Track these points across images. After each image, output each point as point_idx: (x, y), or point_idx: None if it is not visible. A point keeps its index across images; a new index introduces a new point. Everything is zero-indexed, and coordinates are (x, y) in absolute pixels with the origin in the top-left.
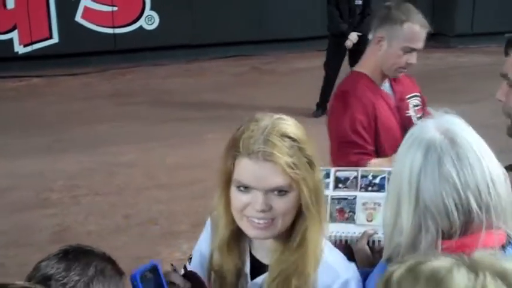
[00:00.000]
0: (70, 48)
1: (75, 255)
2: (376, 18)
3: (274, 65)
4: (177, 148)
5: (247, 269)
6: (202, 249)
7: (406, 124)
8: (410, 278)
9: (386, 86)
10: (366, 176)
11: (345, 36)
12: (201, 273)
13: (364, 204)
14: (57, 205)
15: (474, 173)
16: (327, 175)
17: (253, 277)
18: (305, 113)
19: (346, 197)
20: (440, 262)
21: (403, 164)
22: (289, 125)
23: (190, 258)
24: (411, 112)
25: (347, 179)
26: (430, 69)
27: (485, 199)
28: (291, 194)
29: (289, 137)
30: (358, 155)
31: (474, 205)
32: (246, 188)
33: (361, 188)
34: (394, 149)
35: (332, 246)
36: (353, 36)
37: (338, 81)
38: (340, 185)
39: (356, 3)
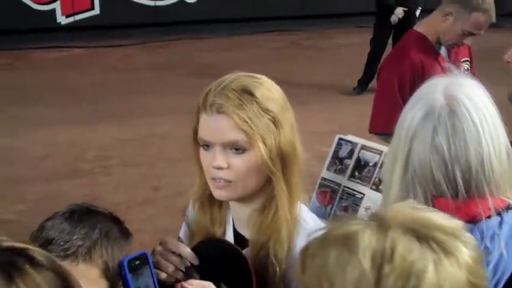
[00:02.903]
0: (111, 20)
1: (80, 215)
2: None
3: (314, 41)
4: None
5: (230, 239)
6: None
7: None
8: (321, 245)
9: (443, 48)
10: None
11: (392, 11)
12: None
13: (366, 209)
14: (88, 175)
15: (467, 147)
16: (351, 152)
17: None
18: (345, 90)
19: (354, 193)
20: (352, 225)
21: (404, 119)
22: (255, 82)
23: (179, 238)
24: None
25: (366, 164)
26: (476, 48)
27: (475, 175)
28: (249, 153)
29: (249, 92)
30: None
31: (460, 181)
32: (207, 147)
33: (373, 183)
34: None
35: (315, 216)
36: (399, 11)
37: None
38: (356, 173)
39: None
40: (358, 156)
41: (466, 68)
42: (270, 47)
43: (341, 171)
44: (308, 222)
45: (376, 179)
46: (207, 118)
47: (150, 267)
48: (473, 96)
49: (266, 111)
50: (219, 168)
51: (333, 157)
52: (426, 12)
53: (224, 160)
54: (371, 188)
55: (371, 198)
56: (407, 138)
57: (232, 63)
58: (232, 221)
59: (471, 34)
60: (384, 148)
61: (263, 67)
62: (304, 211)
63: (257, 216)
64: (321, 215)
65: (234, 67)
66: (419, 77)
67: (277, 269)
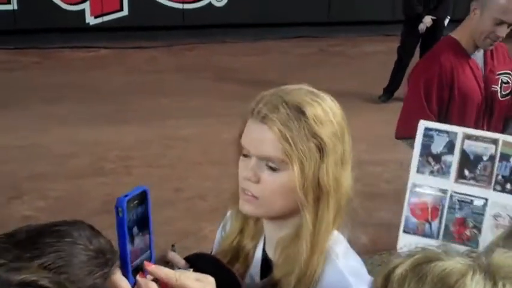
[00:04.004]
0: (139, 22)
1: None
2: None
3: (341, 48)
4: (233, 126)
5: (256, 265)
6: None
7: (489, 97)
8: (414, 277)
9: (479, 56)
10: (508, 158)
11: (420, 20)
12: None
13: (496, 217)
14: (110, 175)
15: None
16: (450, 145)
17: (262, 276)
18: (370, 98)
19: (472, 199)
20: (454, 263)
21: None
22: (313, 100)
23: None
24: (498, 87)
25: (479, 159)
26: None
27: None
28: (284, 174)
29: (300, 110)
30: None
31: None
32: (246, 156)
33: (496, 182)
34: (463, 118)
35: (349, 249)
36: (427, 20)
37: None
38: (466, 172)
39: None
40: (463, 150)
41: (505, 80)
42: (296, 53)
43: (442, 173)
44: (338, 258)
45: (499, 177)
46: (251, 124)
47: (147, 205)
48: None
49: (314, 135)
50: (249, 180)
51: (423, 154)
52: (455, 21)
53: (256, 173)
54: (494, 190)
55: (498, 203)
56: None
57: (257, 68)
58: (264, 239)
59: (502, 22)
60: (497, 135)
61: (289, 73)
62: (339, 244)
63: (289, 242)
64: (425, 234)
65: (259, 72)
66: (447, 82)
67: None
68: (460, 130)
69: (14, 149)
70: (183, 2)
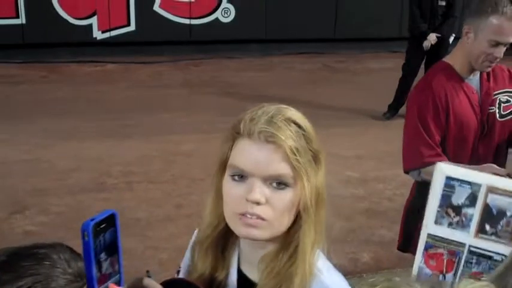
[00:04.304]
0: (146, 37)
1: None
2: (466, 10)
3: (346, 64)
4: None
5: (233, 281)
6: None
7: (486, 120)
8: None
9: (474, 80)
10: None
11: (424, 37)
12: None
13: None
14: (112, 190)
15: None
16: (472, 198)
17: None
18: (374, 114)
19: (490, 254)
20: None
21: None
22: (296, 113)
23: (179, 271)
24: (495, 108)
25: (502, 214)
26: None
27: None
28: (290, 190)
29: (295, 123)
30: (427, 149)
31: None
32: (241, 178)
33: None
34: (459, 146)
35: (331, 266)
36: (432, 37)
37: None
38: (487, 227)
39: (439, 4)
40: (487, 203)
41: (504, 100)
42: (301, 68)
43: (461, 226)
44: (323, 273)
45: None
46: (251, 146)
47: (116, 229)
48: None
49: (310, 146)
50: (257, 203)
51: (442, 205)
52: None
53: (263, 194)
54: None
55: None
56: None
57: (262, 84)
58: (238, 260)
59: (498, 43)
60: None
61: (293, 88)
62: (321, 260)
63: (270, 260)
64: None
65: (264, 88)
66: (442, 107)
67: None
68: (484, 182)
69: (18, 163)
70: (190, 18)
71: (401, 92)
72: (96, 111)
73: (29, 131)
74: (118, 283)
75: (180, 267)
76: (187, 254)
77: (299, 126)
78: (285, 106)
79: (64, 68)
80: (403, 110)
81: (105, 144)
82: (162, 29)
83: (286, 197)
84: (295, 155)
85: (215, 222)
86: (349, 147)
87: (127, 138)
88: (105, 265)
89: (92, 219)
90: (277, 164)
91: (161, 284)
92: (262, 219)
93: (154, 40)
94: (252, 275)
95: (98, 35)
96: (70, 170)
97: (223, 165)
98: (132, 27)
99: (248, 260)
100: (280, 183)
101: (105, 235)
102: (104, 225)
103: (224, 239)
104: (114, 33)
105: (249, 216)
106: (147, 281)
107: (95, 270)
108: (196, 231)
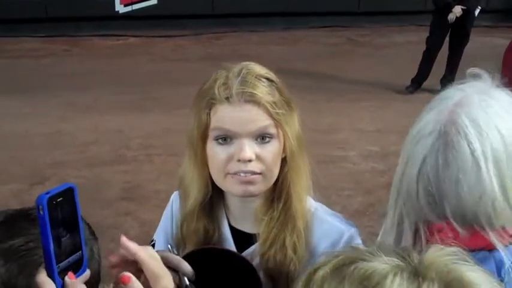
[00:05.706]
0: (168, 10)
1: None
2: None
3: (370, 38)
4: None
5: (228, 238)
6: (167, 229)
7: None
8: (334, 280)
9: None
10: None
11: (449, 10)
12: None
13: None
14: (131, 162)
15: (459, 186)
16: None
17: (238, 250)
18: (397, 88)
19: None
20: (377, 264)
21: (409, 134)
22: (261, 68)
23: (153, 244)
24: None
25: None
26: None
27: (472, 216)
28: (275, 141)
29: (266, 78)
30: None
31: (450, 215)
32: (225, 140)
33: None
34: None
35: (322, 204)
36: (457, 10)
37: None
38: None
39: None
40: None
41: None
42: (324, 42)
43: None
44: (319, 210)
45: None
46: (231, 108)
47: (75, 204)
48: (484, 119)
49: (283, 96)
50: (249, 160)
51: None
52: (487, 12)
53: (253, 151)
54: None
55: None
56: (403, 158)
57: (285, 58)
58: (227, 218)
59: None
60: None
61: (317, 62)
62: (311, 199)
63: (266, 210)
64: None
65: (287, 61)
66: None
67: (297, 262)
68: None
69: (39, 136)
70: None
71: (425, 65)
72: (117, 84)
73: (51, 104)
74: (81, 260)
75: (154, 240)
76: (163, 224)
77: (270, 80)
78: (247, 62)
79: (86, 41)
80: (426, 84)
81: (126, 117)
82: (184, 3)
83: (273, 148)
84: (274, 108)
85: (203, 190)
86: (370, 121)
87: (146, 111)
88: (65, 240)
89: (47, 193)
90: (260, 121)
91: (185, 256)
92: (256, 173)
93: (177, 14)
94: (246, 227)
95: (120, 8)
96: (89, 143)
97: (204, 133)
98: (154, 0)
99: (238, 215)
100: (264, 137)
101: (62, 210)
102: (60, 199)
103: (210, 203)
104: (136, 6)
105: (242, 174)
106: (171, 256)
107: (52, 246)
108: (173, 197)
